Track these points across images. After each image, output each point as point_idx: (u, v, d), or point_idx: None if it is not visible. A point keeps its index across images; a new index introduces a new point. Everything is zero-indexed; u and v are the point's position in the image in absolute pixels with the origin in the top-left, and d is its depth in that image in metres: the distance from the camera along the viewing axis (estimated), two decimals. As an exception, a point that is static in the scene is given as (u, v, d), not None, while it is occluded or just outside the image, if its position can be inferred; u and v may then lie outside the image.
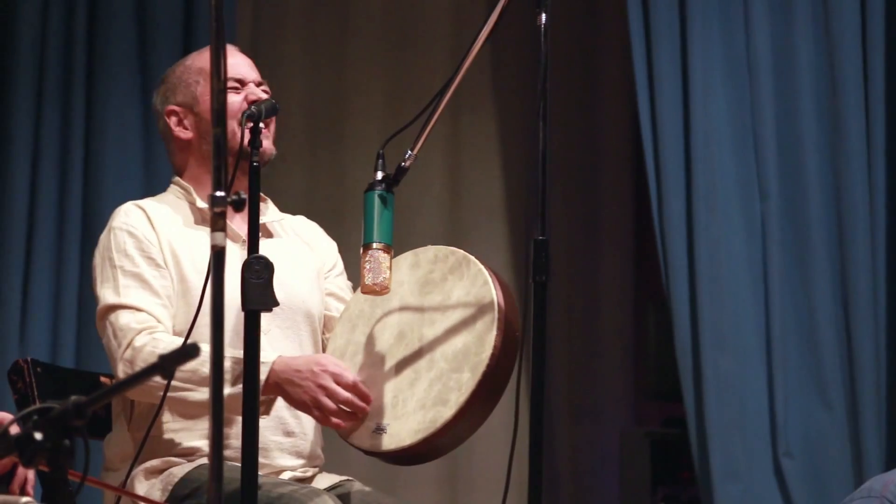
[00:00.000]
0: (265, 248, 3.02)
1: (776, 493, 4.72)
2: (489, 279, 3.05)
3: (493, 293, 3.02)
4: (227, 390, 3.08)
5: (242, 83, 3.36)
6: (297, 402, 3.10)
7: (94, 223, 4.87)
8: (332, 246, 3.55)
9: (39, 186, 4.89)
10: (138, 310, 3.20)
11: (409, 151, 3.11)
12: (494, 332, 2.98)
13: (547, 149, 3.00)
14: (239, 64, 3.39)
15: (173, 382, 3.07)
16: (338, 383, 3.08)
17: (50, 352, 4.80)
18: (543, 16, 3.03)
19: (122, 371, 3.16)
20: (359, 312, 3.24)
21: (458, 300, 3.07)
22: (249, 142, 3.02)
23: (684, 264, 4.81)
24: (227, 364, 3.10)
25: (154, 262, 3.26)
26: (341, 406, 3.08)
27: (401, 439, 3.02)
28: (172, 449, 3.22)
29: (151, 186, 4.87)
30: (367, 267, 3.05)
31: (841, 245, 4.79)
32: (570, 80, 5.87)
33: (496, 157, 5.87)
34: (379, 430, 3.05)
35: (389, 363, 3.12)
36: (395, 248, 3.09)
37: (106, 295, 3.25)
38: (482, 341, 2.99)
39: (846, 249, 4.77)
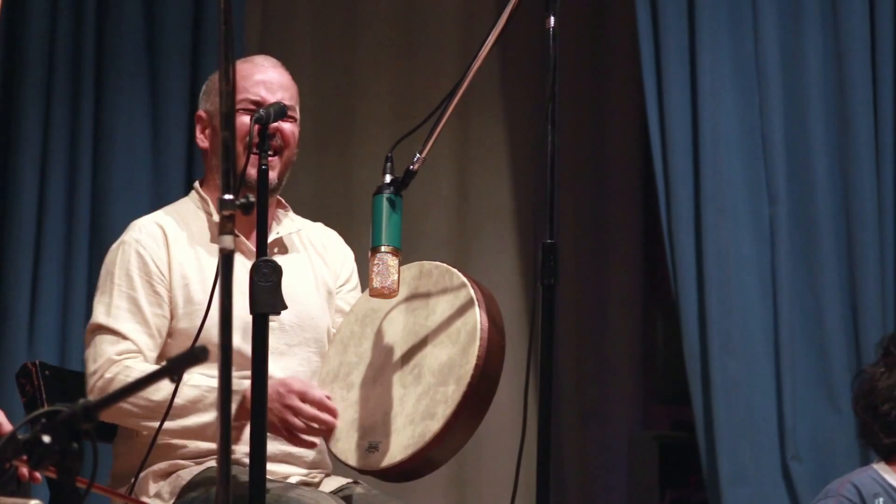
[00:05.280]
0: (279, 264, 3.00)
1: (784, 496, 4.71)
2: (471, 290, 3.08)
3: (476, 304, 3.05)
4: (204, 418, 3.09)
5: (260, 106, 3.23)
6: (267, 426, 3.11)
7: (102, 227, 4.87)
8: (348, 257, 3.52)
9: (48, 191, 4.88)
10: (124, 337, 3.20)
11: (418, 155, 3.12)
12: (477, 344, 3.01)
13: (555, 152, 3.01)
14: (264, 83, 3.31)
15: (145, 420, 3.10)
16: (304, 401, 3.09)
17: (58, 355, 4.80)
18: (552, 19, 3.04)
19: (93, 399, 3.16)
20: (350, 333, 3.26)
21: (442, 314, 3.11)
22: (258, 145, 3.02)
23: (693, 267, 4.81)
24: (199, 393, 3.11)
25: (153, 289, 3.25)
26: (310, 424, 3.09)
27: (392, 456, 3.05)
28: (180, 452, 3.22)
29: (160, 192, 4.87)
30: (376, 270, 3.05)
31: (849, 248, 4.79)
32: (579, 84, 5.86)
33: (504, 160, 5.86)
34: (372, 448, 3.09)
35: (380, 381, 3.15)
36: (403, 251, 3.09)
37: (98, 311, 3.25)
38: (466, 353, 3.02)
39: (854, 253, 4.77)
